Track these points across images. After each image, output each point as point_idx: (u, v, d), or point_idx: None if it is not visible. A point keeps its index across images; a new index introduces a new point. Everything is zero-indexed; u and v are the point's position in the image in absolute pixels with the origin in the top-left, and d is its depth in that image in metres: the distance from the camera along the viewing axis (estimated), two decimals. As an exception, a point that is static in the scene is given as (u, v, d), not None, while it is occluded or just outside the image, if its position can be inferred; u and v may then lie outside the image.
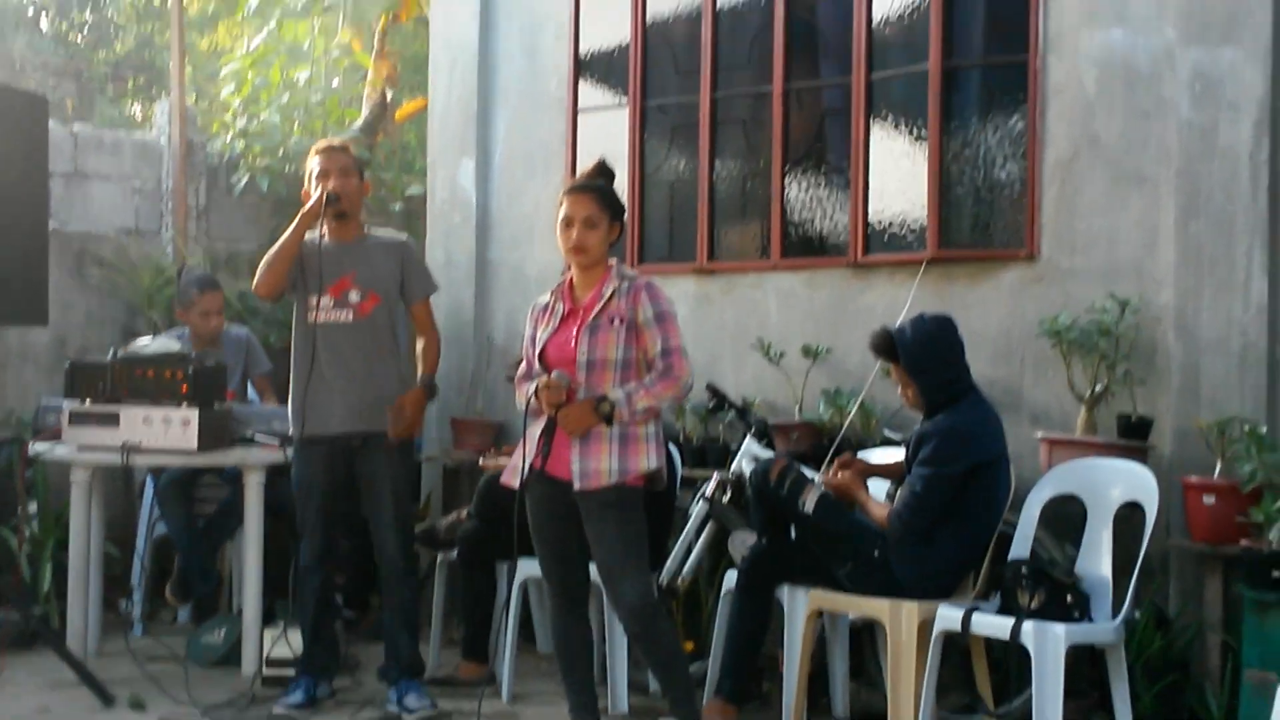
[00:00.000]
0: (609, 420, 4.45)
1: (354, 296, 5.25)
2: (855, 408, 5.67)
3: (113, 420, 5.68)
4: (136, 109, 12.93)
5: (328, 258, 5.24)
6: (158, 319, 7.57)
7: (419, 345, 5.45)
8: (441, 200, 7.54)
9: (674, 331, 4.54)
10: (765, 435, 5.72)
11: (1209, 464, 4.83)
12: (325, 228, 5.27)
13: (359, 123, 8.74)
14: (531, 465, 4.62)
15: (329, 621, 5.46)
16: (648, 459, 4.51)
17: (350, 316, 5.24)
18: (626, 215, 4.76)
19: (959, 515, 4.66)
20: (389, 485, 5.25)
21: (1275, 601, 4.25)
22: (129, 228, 7.95)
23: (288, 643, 5.48)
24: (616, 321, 4.52)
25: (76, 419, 5.74)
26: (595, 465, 4.49)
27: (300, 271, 5.26)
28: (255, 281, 5.33)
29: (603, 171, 4.77)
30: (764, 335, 6.16)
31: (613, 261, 4.68)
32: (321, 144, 5.47)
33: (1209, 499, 4.74)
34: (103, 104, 12.21)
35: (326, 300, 5.24)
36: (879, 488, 5.15)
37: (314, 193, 5.26)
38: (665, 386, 4.47)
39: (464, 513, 5.93)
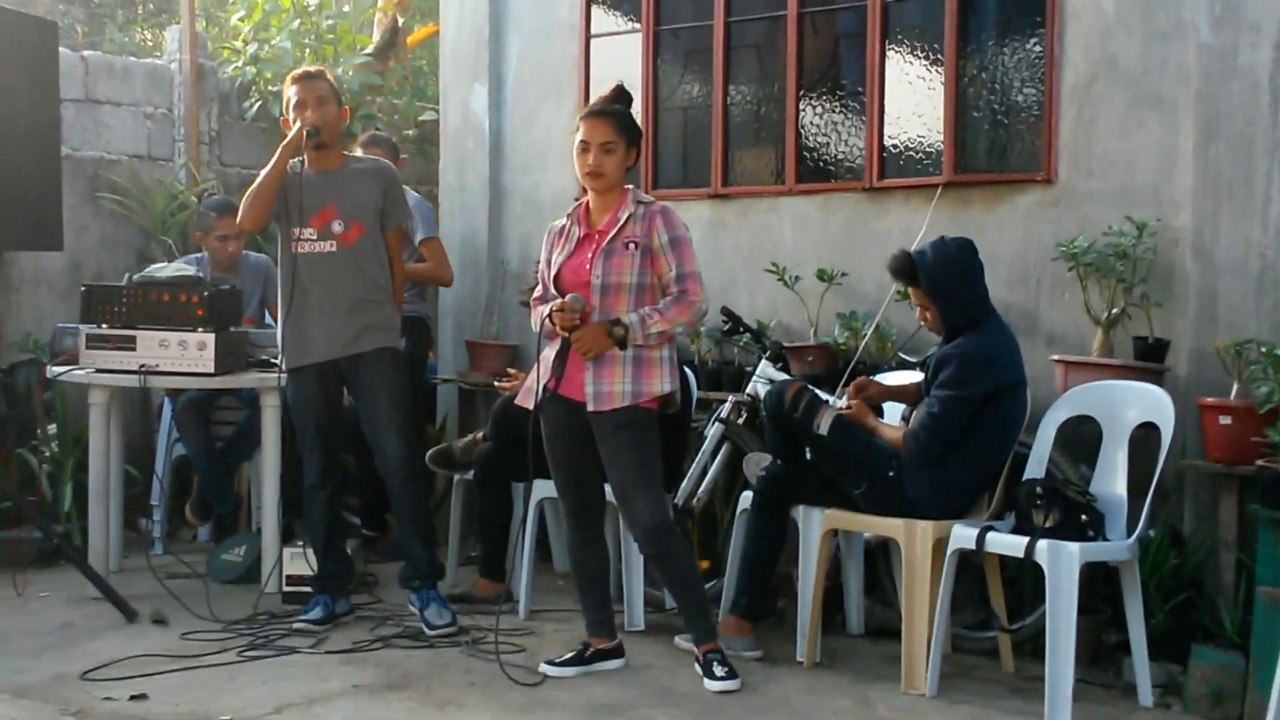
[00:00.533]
0: (623, 344, 4.49)
1: (337, 226, 5.26)
2: (870, 330, 5.69)
3: (129, 343, 5.71)
4: (146, 36, 12.84)
5: (310, 188, 5.26)
6: (172, 243, 7.58)
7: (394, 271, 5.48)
8: (454, 126, 7.52)
9: (689, 257, 4.57)
10: (780, 358, 5.74)
11: (1225, 386, 4.85)
12: (306, 158, 5.30)
13: (370, 48, 8.68)
14: (546, 387, 4.66)
15: (340, 538, 5.53)
16: (661, 382, 4.55)
17: (334, 246, 5.26)
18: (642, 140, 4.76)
19: (975, 438, 4.68)
20: (384, 395, 5.29)
21: (1289, 520, 4.29)
22: (141, 153, 7.93)
23: (307, 560, 5.54)
24: (632, 246, 4.55)
25: (94, 342, 5.76)
26: (609, 387, 4.53)
27: (283, 202, 5.27)
28: (239, 215, 5.36)
29: (620, 96, 4.77)
30: (779, 260, 6.16)
31: (629, 187, 4.70)
32: (297, 72, 5.45)
33: (1225, 420, 4.76)
34: (112, 30, 12.11)
35: (310, 231, 5.26)
36: (894, 410, 5.19)
37: (293, 123, 5.28)
38: (679, 311, 4.50)
39: (480, 435, 5.97)
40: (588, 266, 4.60)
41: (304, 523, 6.35)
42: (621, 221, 4.61)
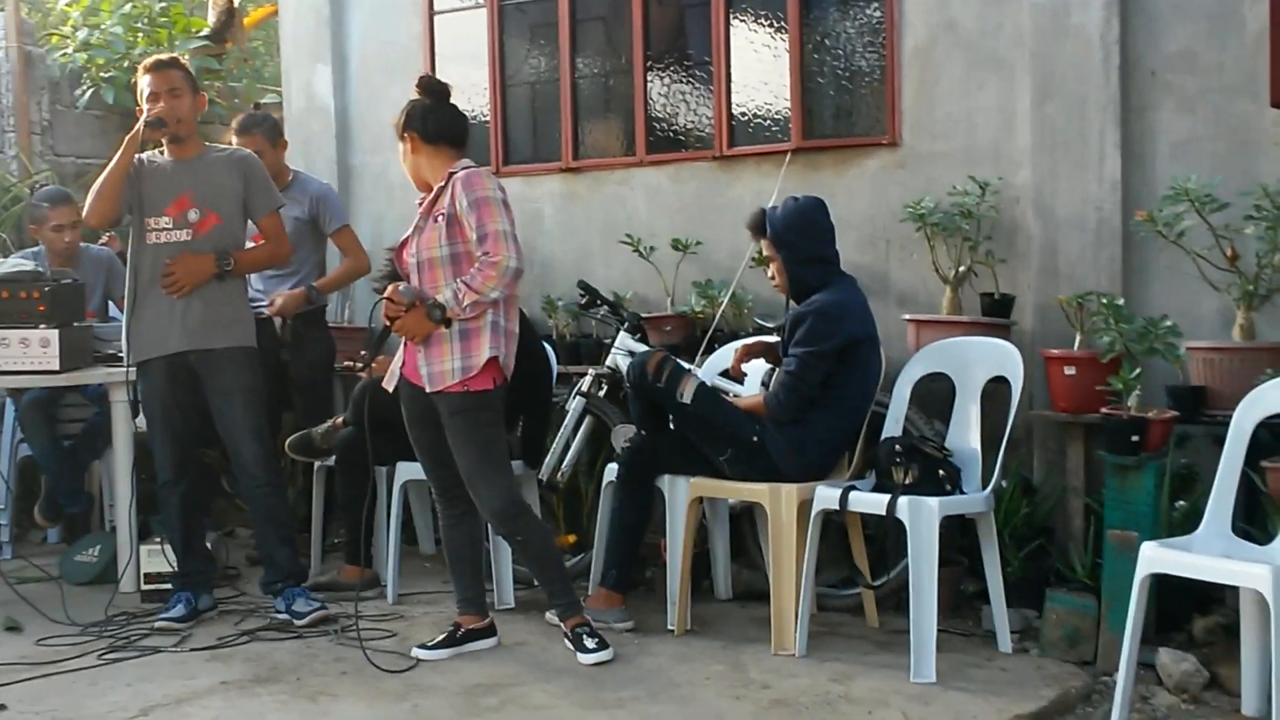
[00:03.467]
0: (446, 323, 4.47)
1: (193, 215, 5.13)
2: (727, 298, 5.74)
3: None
4: (-34, 24, 12.34)
5: (166, 177, 5.14)
6: (7, 238, 7.32)
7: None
8: (298, 108, 7.39)
9: (490, 215, 4.48)
10: (638, 329, 5.76)
11: (1069, 337, 5.00)
12: (165, 148, 5.17)
13: (206, 31, 8.47)
14: (400, 370, 4.66)
15: (198, 534, 5.40)
16: (484, 350, 4.52)
17: (188, 235, 5.12)
18: (426, 117, 4.65)
19: (833, 396, 4.76)
20: (238, 396, 5.18)
21: (1135, 465, 4.42)
22: (-28, 145, 7.65)
23: (165, 557, 5.41)
24: (440, 219, 4.53)
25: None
26: (439, 367, 4.53)
27: (138, 193, 5.13)
28: (85, 210, 5.18)
29: (428, 88, 4.73)
30: (633, 231, 6.18)
31: (459, 163, 4.65)
32: (150, 61, 5.28)
33: (1070, 370, 4.90)
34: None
35: (165, 220, 5.12)
36: (756, 373, 5.25)
37: (143, 112, 5.13)
38: (486, 277, 4.44)
39: (339, 420, 5.88)
40: (409, 246, 4.61)
41: (159, 518, 6.22)
42: (434, 197, 4.60)
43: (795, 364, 4.74)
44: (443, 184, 4.58)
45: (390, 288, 4.54)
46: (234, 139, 5.96)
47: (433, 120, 4.64)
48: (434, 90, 4.72)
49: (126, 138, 5.09)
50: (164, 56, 5.42)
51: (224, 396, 5.18)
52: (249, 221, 5.31)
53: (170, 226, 5.12)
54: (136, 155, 5.12)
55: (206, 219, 5.14)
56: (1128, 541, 4.32)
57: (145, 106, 5.14)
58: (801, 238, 4.82)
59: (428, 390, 4.57)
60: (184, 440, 5.26)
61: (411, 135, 4.65)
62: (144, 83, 5.17)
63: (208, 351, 5.15)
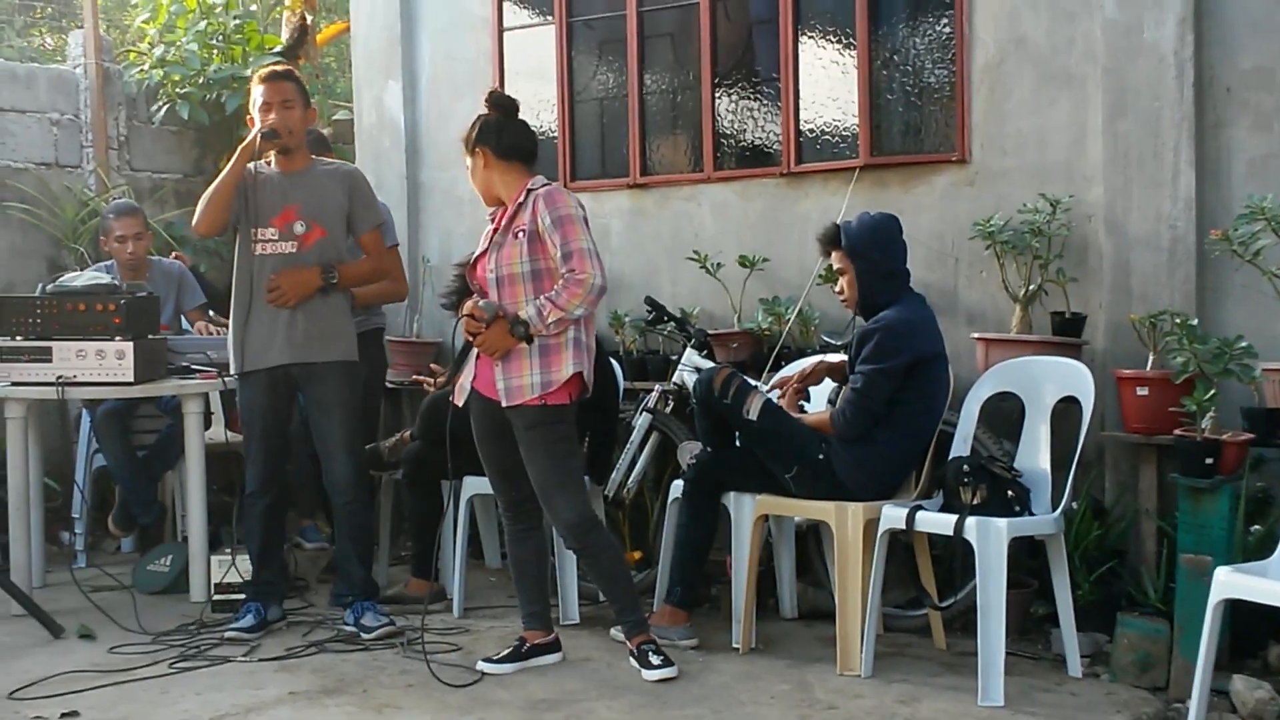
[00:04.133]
0: (528, 339, 4.48)
1: (298, 228, 5.17)
2: (794, 315, 5.73)
3: (45, 355, 5.60)
4: (46, 40, 12.60)
5: (273, 188, 5.17)
6: (84, 251, 7.45)
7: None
8: (369, 124, 7.47)
9: (574, 234, 4.52)
10: (705, 345, 5.76)
11: (1142, 357, 4.93)
12: (272, 159, 5.21)
13: (279, 47, 8.58)
14: (472, 385, 4.68)
15: (277, 546, 5.45)
16: (566, 366, 4.54)
17: (294, 248, 5.16)
18: (500, 132, 4.68)
19: (900, 415, 4.73)
20: (337, 410, 5.22)
21: (1208, 487, 4.36)
22: (49, 161, 7.78)
23: (235, 568, 5.48)
24: (520, 235, 4.55)
25: (7, 354, 5.65)
26: (517, 381, 4.55)
27: (244, 203, 5.17)
28: (195, 219, 5.20)
29: (498, 103, 4.75)
30: (700, 247, 6.18)
31: (531, 179, 4.67)
32: (264, 71, 5.32)
33: (1142, 391, 4.84)
34: (10, 35, 11.88)
35: (271, 231, 5.16)
36: (820, 394, 5.23)
37: (256, 124, 5.18)
38: (571, 294, 4.47)
39: (407, 433, 5.93)
40: (485, 262, 4.63)
41: (229, 529, 6.29)
42: (513, 213, 4.62)
43: (861, 381, 4.72)
44: (521, 200, 4.60)
45: (470, 303, 4.56)
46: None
47: (506, 136, 4.67)
48: (503, 105, 4.75)
49: (240, 147, 5.14)
50: (279, 67, 5.47)
51: (322, 410, 5.23)
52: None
53: (275, 238, 5.16)
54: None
55: (311, 232, 5.18)
56: (1201, 566, 4.26)
57: (257, 116, 5.19)
58: (878, 250, 4.80)
59: (504, 404, 4.58)
60: (276, 453, 5.30)
61: (484, 150, 4.67)
62: (257, 93, 5.21)
63: (310, 365, 5.19)
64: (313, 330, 5.18)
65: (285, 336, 5.15)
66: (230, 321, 5.30)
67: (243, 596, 5.37)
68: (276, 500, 5.34)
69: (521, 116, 4.78)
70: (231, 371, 5.31)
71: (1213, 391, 4.47)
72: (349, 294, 5.40)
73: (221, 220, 5.17)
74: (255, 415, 5.25)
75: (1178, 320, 4.76)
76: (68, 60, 8.31)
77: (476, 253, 4.75)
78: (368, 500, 5.43)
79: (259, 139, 5.11)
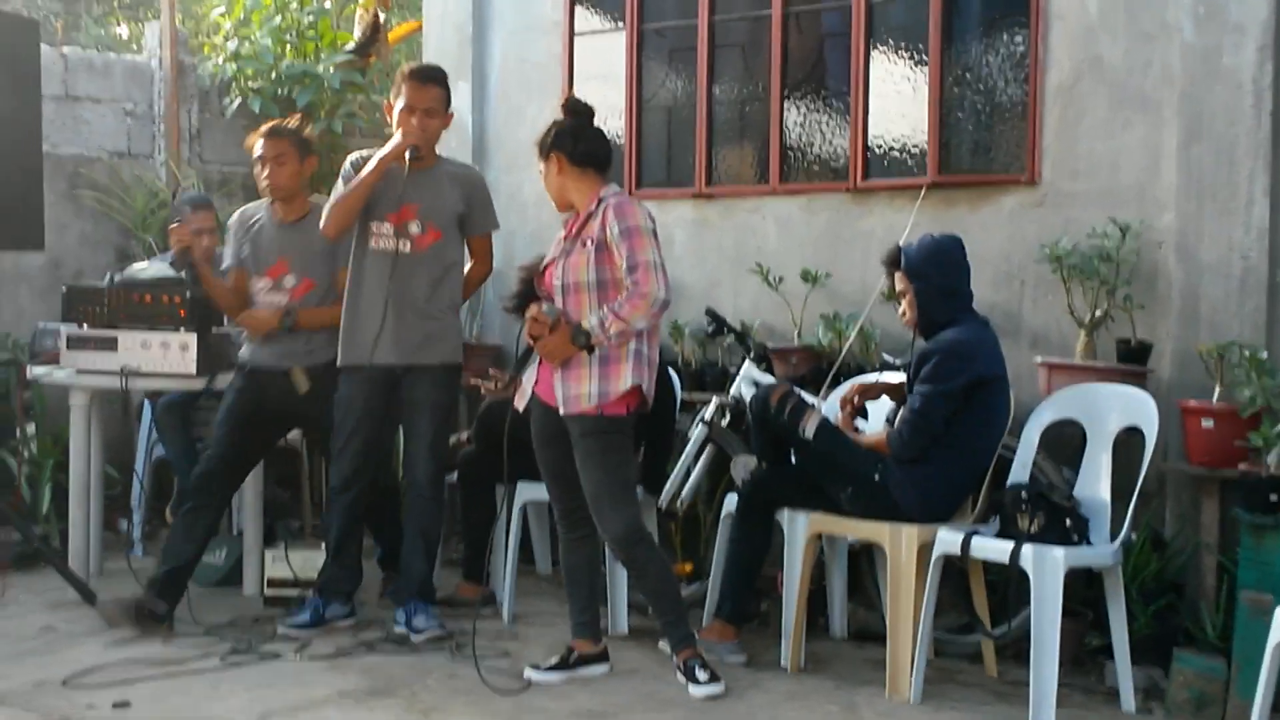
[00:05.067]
0: (589, 348, 4.48)
1: (414, 228, 5.17)
2: (854, 332, 5.69)
3: (110, 344, 5.68)
4: (123, 29, 12.77)
5: (394, 183, 5.12)
6: (153, 241, 7.53)
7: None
8: (438, 123, 7.48)
9: (641, 245, 4.50)
10: (764, 359, 5.74)
11: (1208, 388, 4.85)
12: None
13: (351, 45, 8.63)
14: (533, 390, 4.68)
15: (354, 543, 5.43)
16: (625, 379, 4.53)
17: (408, 247, 5.17)
18: (577, 138, 4.67)
19: (958, 435, 4.68)
20: (429, 413, 5.23)
21: (1272, 524, 4.29)
22: (121, 150, 7.89)
23: (288, 563, 5.52)
24: (589, 244, 4.54)
25: (74, 343, 5.73)
26: (576, 390, 4.54)
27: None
28: (324, 222, 5.18)
29: (574, 109, 4.74)
30: (763, 260, 6.15)
31: (604, 188, 4.66)
32: (416, 70, 5.24)
33: (1208, 423, 4.76)
34: (88, 23, 12.04)
35: (387, 227, 5.17)
36: (878, 413, 5.18)
37: (393, 120, 5.15)
38: (634, 307, 4.46)
39: (464, 436, 5.95)
40: (554, 269, 4.63)
41: (285, 524, 6.36)
42: (583, 221, 4.61)
43: (920, 401, 4.67)
44: (592, 209, 4.59)
45: (534, 307, 4.56)
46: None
47: (582, 143, 4.66)
48: (579, 111, 4.74)
49: (378, 156, 5.09)
50: (431, 67, 5.41)
51: (415, 408, 5.24)
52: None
53: (391, 234, 5.17)
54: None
55: (427, 234, 5.19)
56: (1262, 604, 4.18)
57: (396, 116, 5.15)
58: (937, 269, 4.76)
59: (561, 412, 4.58)
60: (367, 449, 5.30)
61: (559, 156, 4.66)
62: (404, 89, 5.15)
63: (413, 366, 5.21)
64: (421, 330, 5.19)
65: (393, 337, 5.14)
66: (344, 314, 5.27)
67: (295, 593, 5.41)
68: (359, 497, 5.35)
69: (596, 123, 4.77)
70: (339, 363, 5.28)
71: (1280, 427, 4.40)
72: (459, 294, 5.36)
73: (351, 224, 5.19)
74: (351, 411, 5.25)
75: (1246, 352, 4.68)
76: (143, 51, 8.42)
77: (547, 259, 4.74)
78: (441, 499, 5.42)
79: (404, 153, 5.07)
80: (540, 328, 4.51)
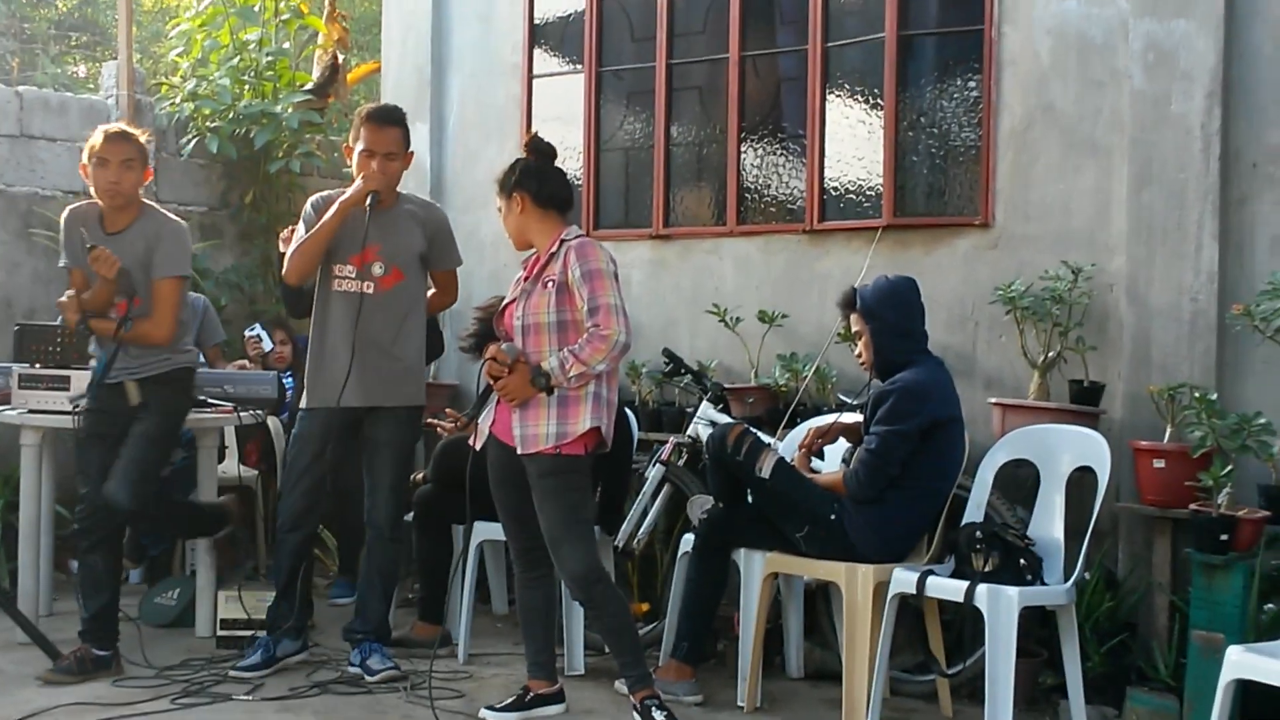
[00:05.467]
0: (549, 390, 4.48)
1: (377, 269, 5.16)
2: (811, 372, 5.72)
3: (63, 383, 5.62)
4: (79, 68, 12.72)
5: (356, 225, 5.10)
6: (107, 281, 7.47)
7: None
8: (395, 164, 7.49)
9: (603, 289, 4.49)
10: (721, 399, 5.75)
11: (1159, 429, 4.91)
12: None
13: (310, 85, 8.64)
14: (490, 429, 4.66)
15: (304, 582, 5.39)
16: (583, 420, 4.52)
17: (372, 289, 5.16)
18: (540, 179, 4.66)
19: (913, 477, 4.70)
20: (392, 452, 5.23)
21: (1223, 564, 4.33)
22: (77, 189, 7.81)
23: (241, 604, 5.47)
24: (550, 284, 4.54)
25: (26, 382, 5.67)
26: (534, 430, 4.52)
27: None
28: (285, 269, 5.19)
29: (538, 149, 4.76)
30: (720, 301, 6.18)
31: (565, 229, 4.68)
32: (373, 111, 5.25)
33: (1159, 463, 4.82)
34: (44, 62, 12.00)
35: (350, 269, 5.16)
36: (835, 453, 5.21)
37: (354, 164, 5.15)
38: (594, 349, 4.45)
39: (420, 475, 5.93)
40: (514, 309, 4.63)
41: (239, 567, 6.30)
42: (544, 262, 4.62)
43: (876, 442, 4.70)
44: (554, 250, 4.61)
45: (493, 347, 4.56)
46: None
47: (547, 184, 4.66)
48: (543, 152, 4.74)
49: (339, 203, 5.07)
50: (390, 108, 5.38)
51: (377, 448, 5.24)
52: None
53: (353, 276, 5.16)
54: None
55: (390, 276, 5.18)
56: (1213, 643, 4.22)
57: (356, 159, 5.15)
58: (891, 310, 4.80)
59: (519, 452, 4.57)
60: (318, 489, 5.27)
61: (522, 196, 4.65)
62: (363, 133, 5.16)
63: (377, 407, 5.20)
64: (386, 373, 5.18)
65: (359, 380, 5.10)
66: (309, 355, 5.27)
67: (249, 633, 5.36)
68: (310, 536, 5.34)
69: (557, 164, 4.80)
70: (303, 405, 5.26)
71: (1230, 468, 4.45)
72: (423, 333, 5.35)
73: (312, 271, 5.18)
74: (307, 450, 5.22)
75: (1197, 394, 4.74)
76: (100, 90, 8.38)
77: (507, 299, 4.74)
78: (400, 540, 5.39)
79: (364, 198, 5.06)
80: (499, 368, 4.51)
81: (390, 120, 5.24)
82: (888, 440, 4.67)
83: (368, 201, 5.08)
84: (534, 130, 6.64)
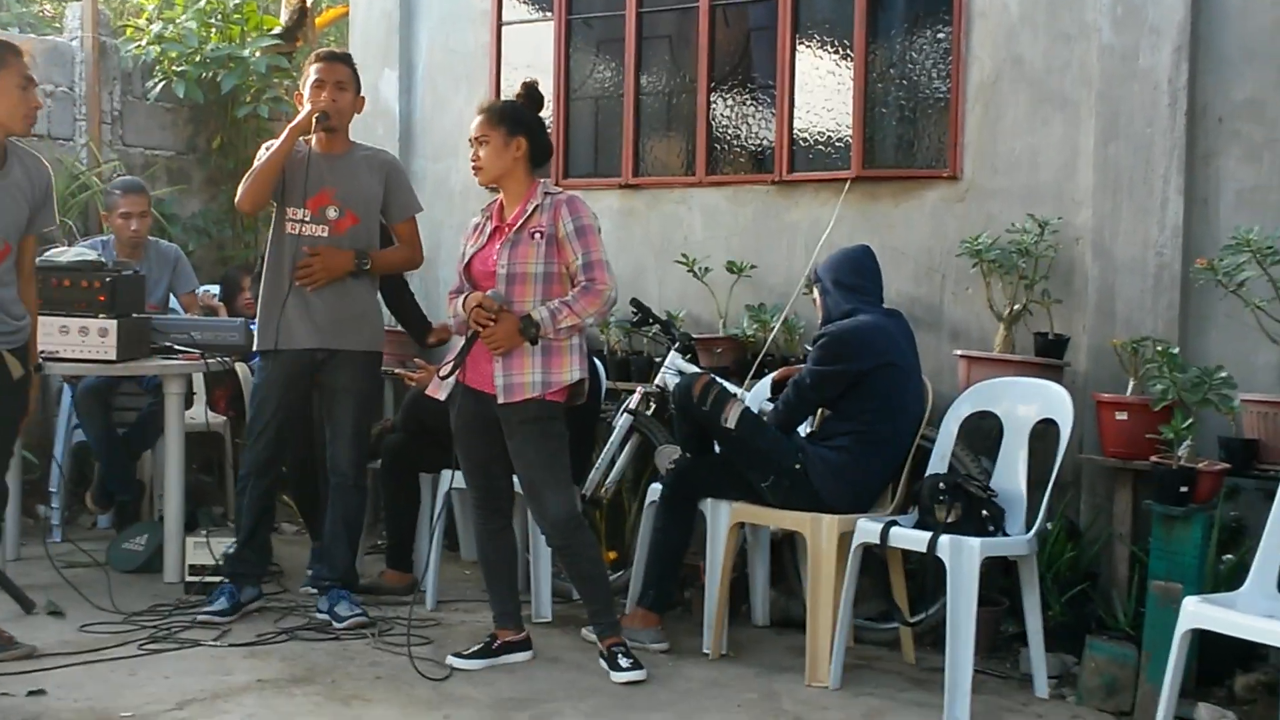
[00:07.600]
0: (534, 340, 4.50)
1: (331, 213, 5.17)
2: (779, 322, 5.74)
3: (28, 328, 5.57)
4: (46, 8, 12.54)
5: (311, 169, 5.14)
6: (73, 225, 7.42)
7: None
8: (364, 111, 7.42)
9: (594, 245, 4.58)
10: (689, 349, 5.77)
11: (1122, 382, 4.96)
12: (313, 139, 5.21)
13: (278, 29, 8.56)
14: (456, 378, 4.66)
15: (266, 527, 5.43)
16: (570, 370, 4.57)
17: (326, 232, 5.16)
18: (538, 130, 4.71)
19: (860, 422, 4.77)
20: (351, 401, 5.23)
21: (1182, 515, 4.38)
22: (40, 133, 7.74)
23: (209, 550, 5.48)
24: (537, 236, 4.56)
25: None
26: (518, 379, 4.54)
27: (282, 181, 5.16)
28: (238, 196, 5.20)
29: (532, 97, 4.75)
30: (689, 251, 6.19)
31: (541, 180, 4.70)
32: (323, 51, 5.37)
33: (1121, 416, 4.86)
34: (9, 2, 11.81)
35: (304, 213, 5.16)
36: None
37: (306, 101, 5.17)
38: (588, 302, 4.52)
39: (389, 423, 5.94)
40: (494, 257, 4.62)
41: (206, 510, 6.31)
42: (529, 212, 4.62)
43: (798, 379, 4.85)
44: (539, 202, 4.60)
45: (478, 294, 4.55)
46: None
47: (543, 135, 4.73)
48: (536, 100, 4.76)
49: (289, 126, 5.13)
50: (337, 50, 5.50)
51: (336, 395, 5.24)
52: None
53: (307, 219, 5.16)
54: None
55: (344, 219, 5.19)
56: (1171, 593, 4.28)
57: (308, 93, 5.17)
58: (839, 271, 4.94)
59: (500, 400, 4.57)
60: (282, 434, 5.29)
61: (522, 141, 4.65)
62: (313, 70, 5.21)
63: (334, 351, 5.19)
64: (340, 315, 5.18)
65: (311, 320, 5.14)
66: (260, 299, 5.28)
67: (217, 579, 5.37)
68: (274, 483, 5.36)
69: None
70: (255, 348, 5.27)
71: (1191, 420, 4.50)
72: (376, 281, 5.37)
73: (264, 198, 5.18)
74: (269, 394, 5.23)
75: (1159, 347, 4.79)
76: (64, 32, 8.28)
77: (472, 246, 4.72)
78: (363, 486, 5.40)
79: (312, 120, 5.10)
80: (486, 315, 4.51)
81: (339, 58, 5.30)
82: (806, 379, 4.82)
83: (316, 121, 5.09)
84: (491, 80, 6.65)
